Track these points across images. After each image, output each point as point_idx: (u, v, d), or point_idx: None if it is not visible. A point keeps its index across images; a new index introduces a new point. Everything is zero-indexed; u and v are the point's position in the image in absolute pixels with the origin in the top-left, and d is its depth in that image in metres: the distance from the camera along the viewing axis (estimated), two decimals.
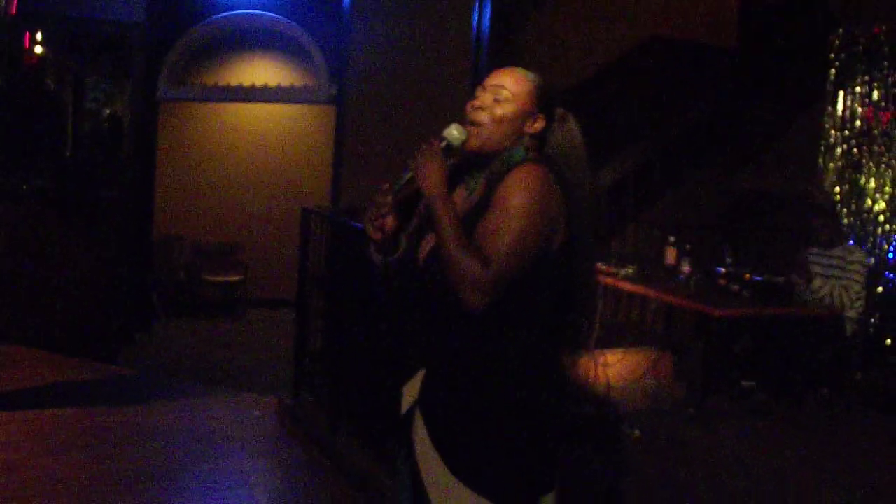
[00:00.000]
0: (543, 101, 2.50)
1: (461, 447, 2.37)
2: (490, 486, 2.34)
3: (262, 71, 11.08)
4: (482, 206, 2.39)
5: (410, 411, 2.48)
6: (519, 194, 2.31)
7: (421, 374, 2.48)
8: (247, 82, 10.96)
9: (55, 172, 9.26)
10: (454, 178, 2.49)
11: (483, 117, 2.45)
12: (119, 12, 9.60)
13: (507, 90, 2.46)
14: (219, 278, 11.57)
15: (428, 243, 2.47)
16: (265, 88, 10.95)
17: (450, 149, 2.43)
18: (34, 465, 5.12)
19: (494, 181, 2.40)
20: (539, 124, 2.50)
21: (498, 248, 2.25)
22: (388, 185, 2.47)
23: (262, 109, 11.77)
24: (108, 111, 10.51)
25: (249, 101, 11.34)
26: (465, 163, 2.53)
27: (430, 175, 2.36)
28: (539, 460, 2.42)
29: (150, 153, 10.33)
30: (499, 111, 2.44)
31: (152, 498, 4.87)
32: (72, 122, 10.15)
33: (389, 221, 2.47)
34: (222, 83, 10.98)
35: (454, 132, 2.44)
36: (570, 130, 2.54)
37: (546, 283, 2.40)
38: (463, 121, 2.49)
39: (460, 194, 2.51)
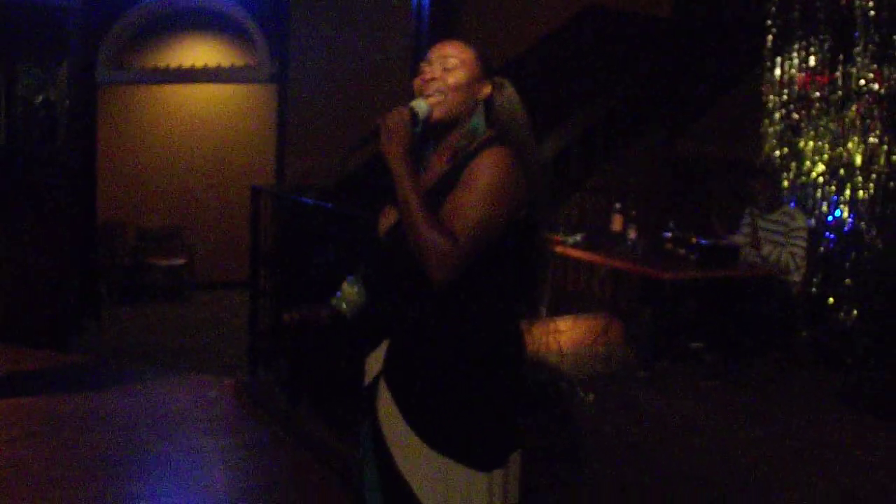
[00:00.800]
0: (486, 67, 2.55)
1: (429, 414, 2.41)
2: (459, 449, 2.39)
3: (201, 51, 10.99)
4: (447, 182, 2.42)
5: (374, 382, 2.52)
6: (488, 175, 2.34)
7: (384, 345, 2.52)
8: (186, 63, 10.87)
9: None
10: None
11: (439, 87, 2.47)
12: None
13: (454, 58, 2.49)
14: (164, 262, 11.50)
15: (389, 216, 2.52)
16: (205, 69, 10.87)
17: (415, 120, 2.44)
18: None
19: (462, 158, 2.44)
20: (487, 89, 2.54)
21: (466, 226, 2.29)
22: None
23: (202, 90, 11.68)
24: (41, 97, 10.35)
25: (189, 82, 11.25)
26: (415, 139, 2.53)
27: (396, 144, 2.36)
28: (505, 421, 2.47)
29: (90, 138, 10.20)
30: (451, 79, 2.47)
31: (115, 482, 4.87)
32: (4, 110, 9.99)
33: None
34: (161, 65, 10.88)
35: (422, 104, 2.45)
36: (510, 96, 2.57)
37: (508, 256, 2.45)
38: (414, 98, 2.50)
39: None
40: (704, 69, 9.36)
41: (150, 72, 10.84)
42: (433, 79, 2.48)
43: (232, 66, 10.87)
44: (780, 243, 6.73)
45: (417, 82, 2.51)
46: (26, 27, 9.50)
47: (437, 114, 2.46)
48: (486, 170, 2.35)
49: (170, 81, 11.21)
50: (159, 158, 11.65)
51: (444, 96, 2.47)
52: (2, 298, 8.12)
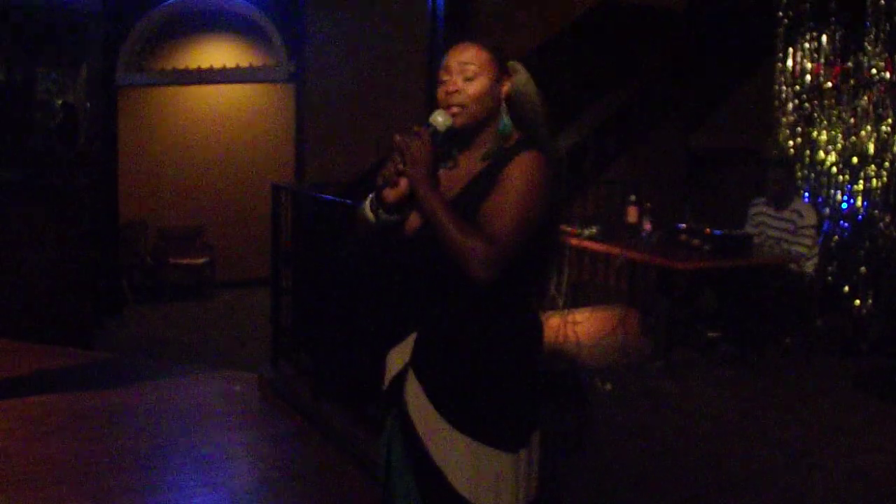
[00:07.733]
0: (503, 64, 2.60)
1: (457, 400, 2.51)
2: (486, 433, 2.50)
3: (219, 52, 11.10)
4: (481, 183, 2.50)
5: (402, 373, 2.61)
6: (525, 180, 2.43)
7: (410, 338, 2.60)
8: (205, 64, 10.98)
9: (21, 163, 9.27)
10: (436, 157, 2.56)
11: (462, 99, 2.52)
12: (73, 1, 9.61)
13: (473, 65, 2.54)
14: (185, 261, 11.63)
15: (413, 219, 2.58)
16: (223, 70, 10.98)
17: (436, 134, 2.50)
18: (26, 451, 5.20)
19: (497, 160, 2.52)
20: (507, 87, 2.59)
21: (504, 228, 2.38)
22: (402, 137, 2.48)
23: (221, 91, 11.79)
24: (61, 101, 10.48)
25: (208, 83, 11.37)
26: (444, 139, 2.58)
27: (420, 165, 2.44)
28: (526, 403, 2.58)
29: (111, 140, 10.35)
30: (472, 89, 2.52)
31: (144, 475, 4.97)
32: (24, 113, 10.12)
33: (404, 182, 2.50)
34: (180, 67, 11.00)
35: (439, 118, 2.51)
36: (523, 80, 2.63)
37: (533, 252, 2.53)
38: (438, 107, 2.55)
39: (441, 170, 2.60)
40: (718, 62, 9.41)
41: (169, 73, 10.96)
42: (455, 91, 2.53)
43: (250, 66, 10.98)
44: (787, 241, 6.78)
45: (441, 93, 2.55)
46: (46, 32, 9.62)
47: (458, 122, 2.53)
48: (524, 174, 2.44)
49: (189, 82, 11.32)
50: (179, 159, 11.78)
51: (464, 108, 2.53)
52: (28, 298, 8.25)
